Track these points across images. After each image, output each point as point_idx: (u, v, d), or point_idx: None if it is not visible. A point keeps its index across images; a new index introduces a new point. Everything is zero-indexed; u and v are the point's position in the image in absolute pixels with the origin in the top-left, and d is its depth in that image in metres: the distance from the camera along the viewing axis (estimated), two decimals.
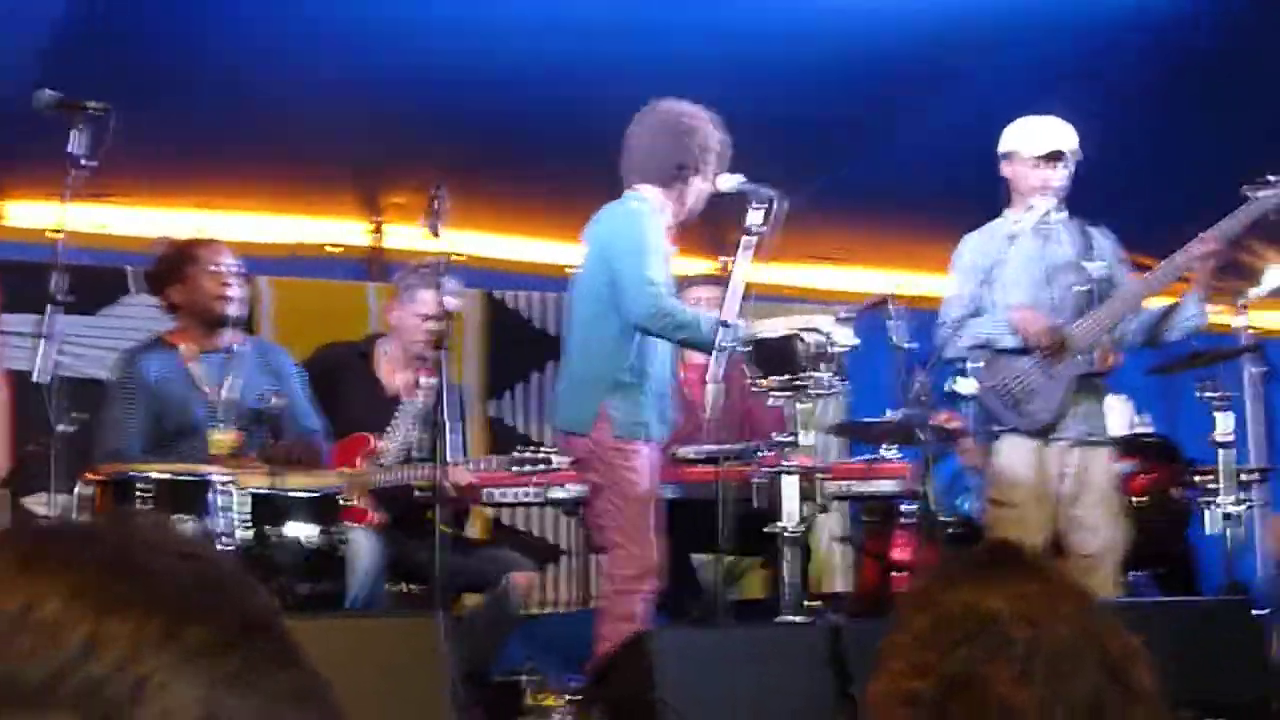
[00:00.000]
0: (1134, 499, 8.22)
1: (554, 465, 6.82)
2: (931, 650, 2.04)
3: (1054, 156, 6.88)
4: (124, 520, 0.95)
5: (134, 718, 0.85)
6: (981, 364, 6.90)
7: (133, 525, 0.95)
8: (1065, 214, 7.01)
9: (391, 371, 7.32)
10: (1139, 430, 8.71)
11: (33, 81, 5.92)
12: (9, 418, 8.02)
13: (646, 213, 6.44)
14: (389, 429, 7.20)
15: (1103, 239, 7.13)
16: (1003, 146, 6.99)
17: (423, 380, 7.20)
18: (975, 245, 7.03)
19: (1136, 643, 2.10)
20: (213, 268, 6.72)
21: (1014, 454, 6.88)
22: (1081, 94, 7.78)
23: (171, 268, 6.79)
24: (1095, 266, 7.03)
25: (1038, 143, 6.91)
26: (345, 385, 7.26)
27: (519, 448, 6.93)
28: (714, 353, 6.09)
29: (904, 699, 2.04)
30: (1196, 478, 8.18)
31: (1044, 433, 6.87)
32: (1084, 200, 7.00)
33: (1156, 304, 7.12)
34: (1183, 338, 7.17)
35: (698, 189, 6.53)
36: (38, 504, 7.16)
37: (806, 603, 7.24)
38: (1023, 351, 6.86)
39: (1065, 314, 6.91)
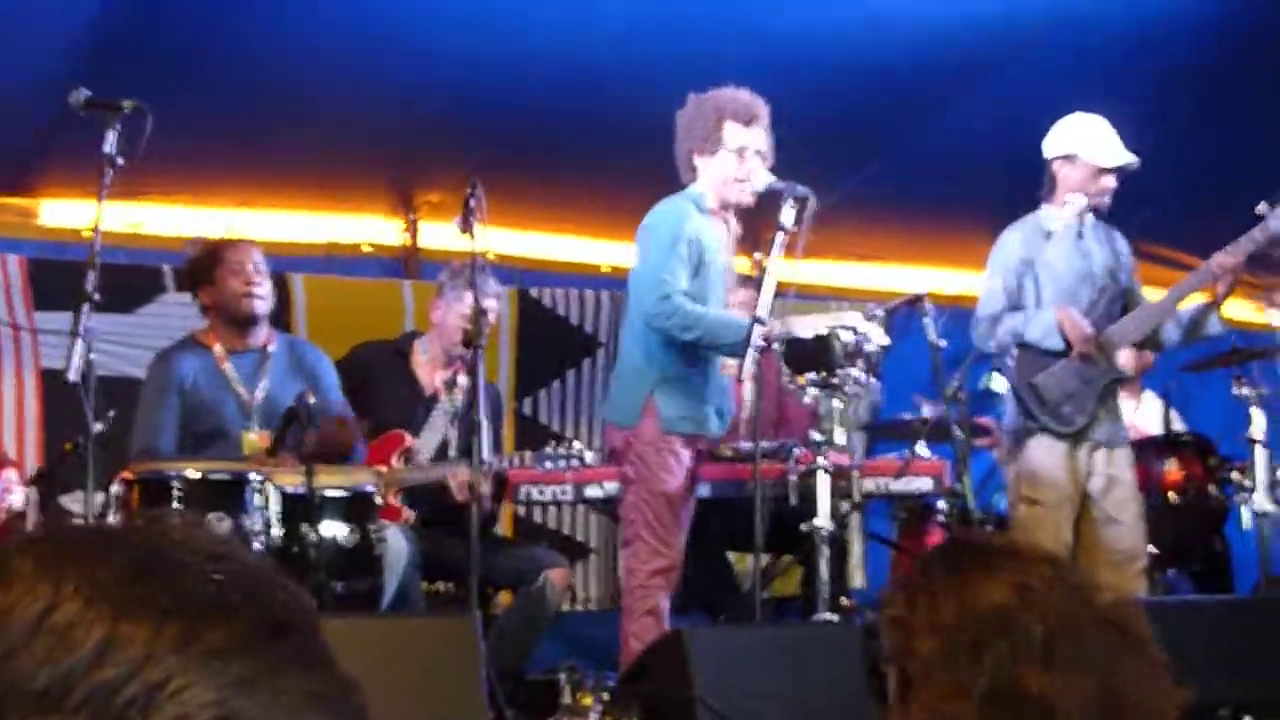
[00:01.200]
0: (1169, 496, 8.18)
1: (586, 462, 6.81)
2: (955, 669, 2.02)
3: (1121, 171, 6.87)
4: (154, 521, 0.94)
5: None
6: (1013, 361, 6.89)
7: (163, 526, 0.93)
8: (1092, 217, 6.99)
9: (430, 370, 7.33)
10: (1174, 428, 8.66)
11: (68, 81, 5.93)
12: (41, 416, 8.05)
13: (685, 207, 6.41)
14: (426, 427, 7.21)
15: (1124, 244, 7.12)
16: (1063, 146, 6.92)
17: (460, 379, 7.21)
18: (1015, 240, 7.00)
19: (1124, 594, 2.10)
20: (236, 267, 6.73)
21: (1046, 455, 6.86)
22: (1114, 91, 7.75)
23: (200, 268, 6.81)
24: (1122, 271, 7.04)
25: (1107, 154, 6.86)
26: (381, 384, 7.26)
27: (551, 445, 6.93)
28: (747, 351, 6.07)
29: None
30: (1232, 475, 8.16)
31: (1076, 435, 6.86)
32: (1115, 198, 6.97)
33: (1190, 304, 7.09)
34: (1203, 341, 7.19)
35: (713, 171, 6.46)
36: (73, 502, 7.18)
37: (842, 600, 7.24)
38: (1062, 354, 6.84)
39: (1100, 317, 6.90)
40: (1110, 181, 6.88)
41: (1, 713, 0.83)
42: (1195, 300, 7.01)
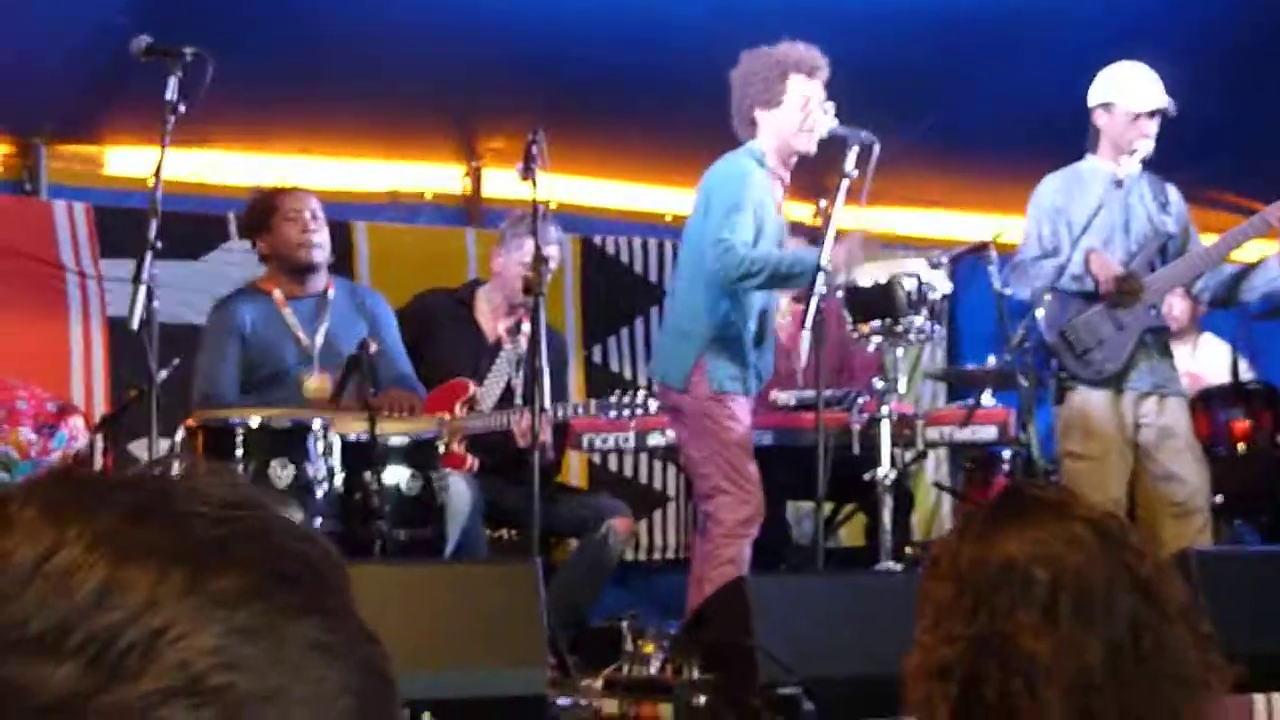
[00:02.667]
0: (1237, 446, 8.10)
1: (650, 409, 6.80)
2: (956, 616, 2.00)
3: (1158, 113, 6.80)
4: (166, 468, 0.92)
5: (147, 669, 0.82)
6: (1044, 310, 6.82)
7: (175, 473, 0.91)
8: (1140, 167, 6.91)
9: (493, 318, 7.33)
10: (1243, 377, 8.58)
11: (129, 28, 5.94)
12: (108, 364, 8.10)
13: (748, 165, 6.38)
14: (489, 375, 7.22)
15: (1176, 195, 7.04)
16: (1098, 96, 6.89)
17: (523, 327, 7.21)
18: (1054, 187, 6.96)
19: (1165, 560, 2.06)
20: (292, 214, 6.74)
21: (1087, 405, 6.81)
22: (1177, 38, 7.67)
23: (257, 217, 6.84)
24: (1170, 221, 6.95)
25: (1141, 99, 6.80)
26: (444, 332, 7.27)
27: (615, 393, 6.91)
28: (809, 299, 6.04)
29: (935, 671, 2.00)
30: None
31: (1113, 383, 6.78)
32: (1169, 147, 6.89)
33: (1237, 261, 7.02)
34: (1261, 299, 7.09)
35: (774, 124, 6.42)
36: (139, 449, 7.22)
37: (906, 550, 7.21)
38: (1092, 297, 6.77)
39: (1140, 266, 6.83)
40: (1148, 127, 6.80)
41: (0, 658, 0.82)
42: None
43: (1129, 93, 6.84)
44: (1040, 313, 6.82)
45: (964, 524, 2.16)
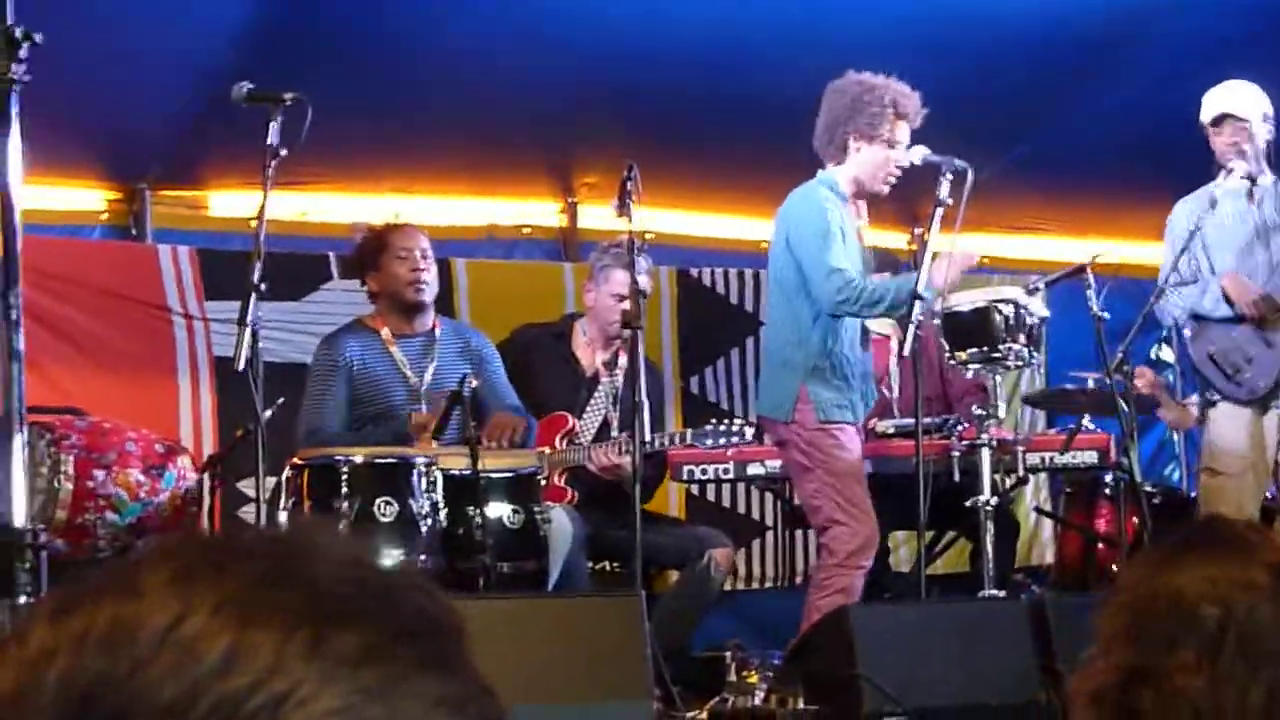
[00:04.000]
0: None
1: (747, 438, 6.81)
2: (1120, 644, 1.98)
3: (1219, 120, 6.78)
4: (289, 530, 0.93)
5: None
6: (1190, 333, 6.82)
7: (296, 535, 0.92)
8: (1272, 176, 6.88)
9: (590, 351, 7.37)
10: None
11: (229, 72, 6.04)
12: (216, 405, 8.20)
13: (825, 195, 6.39)
14: (588, 409, 7.26)
15: None
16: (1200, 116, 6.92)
17: (621, 359, 7.25)
18: (1182, 212, 6.96)
19: None
20: (403, 253, 6.81)
21: (1229, 423, 6.78)
22: (1267, 51, 7.62)
23: (367, 255, 6.91)
24: None
25: (1208, 107, 6.83)
26: (542, 366, 7.32)
27: (713, 422, 6.93)
28: (907, 327, 6.05)
29: (1092, 697, 1.99)
30: None
31: (1262, 401, 6.75)
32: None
33: None
34: None
35: (869, 157, 6.44)
36: (247, 488, 7.32)
37: (1010, 576, 7.18)
38: (1236, 320, 6.75)
39: (1276, 277, 6.79)
40: (1224, 135, 6.80)
41: None
42: None
43: (1203, 106, 6.89)
44: (1187, 334, 6.83)
45: (1147, 552, 2.13)
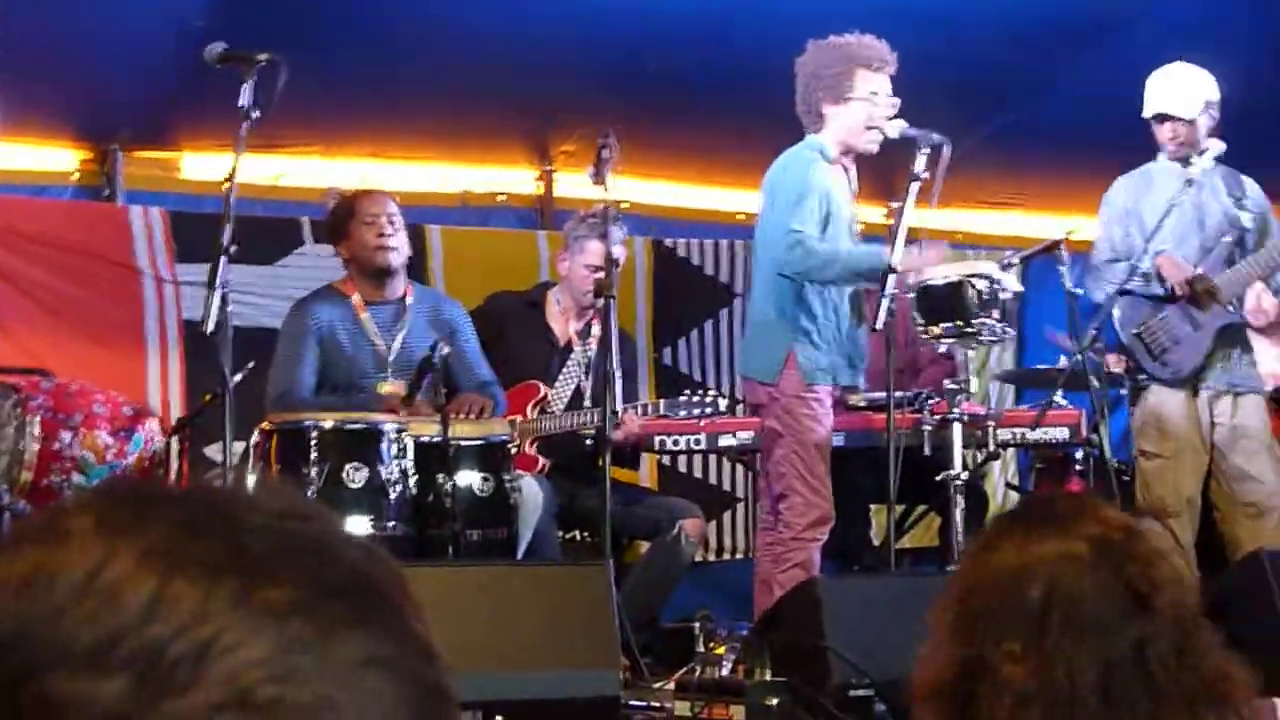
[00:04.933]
0: None
1: (720, 409, 6.80)
2: (952, 637, 1.97)
3: (1160, 118, 6.79)
4: (220, 480, 0.91)
5: (196, 682, 0.80)
6: (1119, 312, 6.81)
7: (229, 485, 0.91)
8: (1212, 160, 6.87)
9: (564, 320, 7.36)
10: None
11: (203, 33, 5.99)
12: (184, 368, 8.16)
13: (810, 158, 6.39)
14: (560, 377, 7.24)
15: (1254, 188, 7.01)
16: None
17: (594, 328, 7.24)
18: (1125, 187, 6.97)
19: (1174, 570, 2.00)
20: (369, 219, 6.77)
21: (1163, 404, 6.79)
22: (1255, 33, 7.62)
23: (336, 222, 6.88)
24: (1246, 216, 6.92)
25: (1146, 105, 6.84)
26: (515, 334, 7.30)
27: (685, 393, 6.91)
28: (880, 300, 6.05)
29: (929, 692, 1.98)
30: None
31: (1189, 382, 6.76)
32: (1243, 145, 6.85)
33: None
34: None
35: (845, 119, 6.42)
36: (215, 453, 7.29)
37: None
38: (1166, 299, 6.75)
39: (1215, 262, 6.80)
40: (1163, 132, 6.81)
41: (48, 673, 0.80)
42: None
43: (1147, 102, 6.88)
44: (1116, 313, 6.81)
45: (971, 543, 2.13)
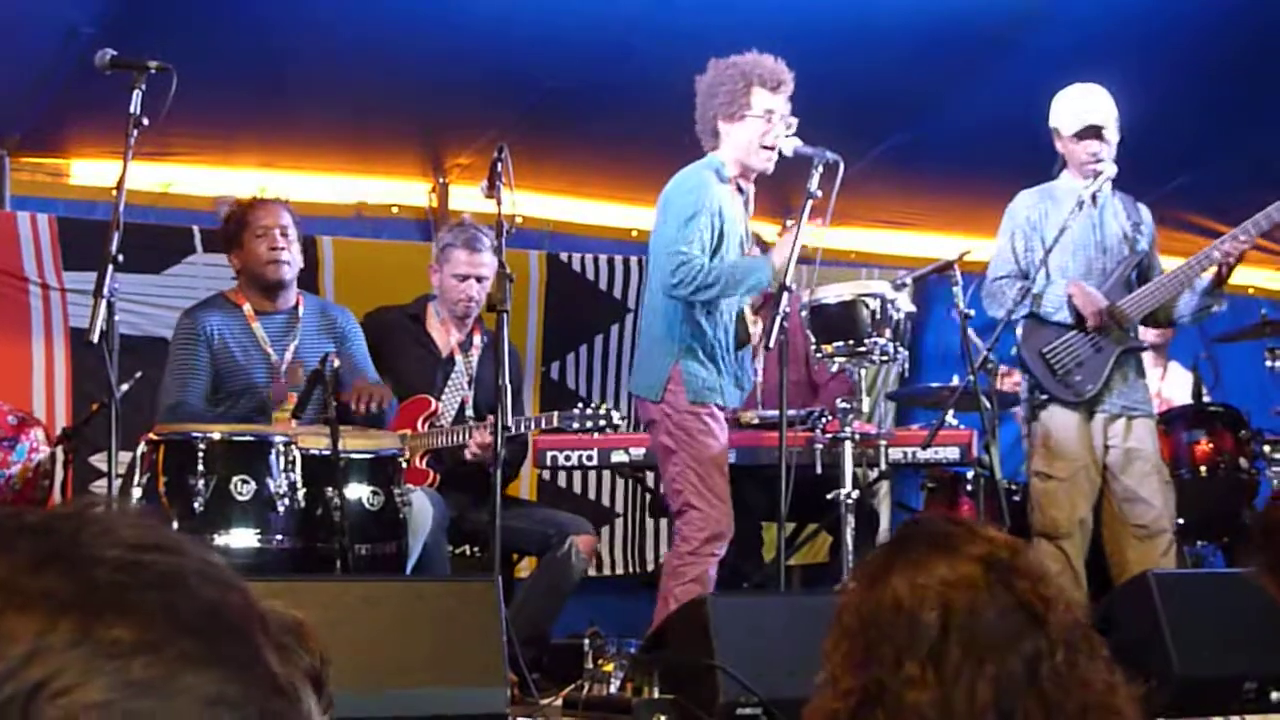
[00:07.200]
0: (1199, 469, 8.13)
1: (615, 424, 6.79)
2: (846, 668, 1.97)
3: (1092, 131, 6.83)
4: (75, 509, 0.87)
5: None
6: (1023, 331, 6.88)
7: (81, 515, 0.85)
8: (1111, 187, 6.94)
9: (445, 332, 7.31)
10: (1204, 400, 8.61)
11: (94, 40, 5.92)
12: (70, 376, 8.06)
13: (705, 177, 6.39)
14: (446, 390, 7.20)
15: (1147, 215, 7.09)
16: (1050, 120, 6.95)
17: (475, 340, 7.22)
18: (1029, 202, 7.02)
19: (1060, 587, 2.01)
20: (261, 231, 6.71)
21: (1058, 426, 6.84)
22: (1146, 58, 7.70)
23: (229, 232, 6.81)
24: (1143, 240, 7.01)
25: (1075, 119, 6.86)
26: (398, 347, 7.25)
27: (579, 407, 6.89)
28: (772, 318, 6.06)
29: None
30: (1264, 448, 8.11)
31: (1089, 404, 6.82)
32: (1142, 169, 6.93)
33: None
34: (1197, 320, 7.15)
35: (739, 136, 6.43)
36: (101, 463, 7.20)
37: None
38: (1076, 327, 6.81)
39: (1115, 285, 6.87)
40: (1090, 147, 6.85)
41: None
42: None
43: (1065, 116, 6.93)
44: (1019, 332, 6.88)
45: (856, 573, 2.12)
